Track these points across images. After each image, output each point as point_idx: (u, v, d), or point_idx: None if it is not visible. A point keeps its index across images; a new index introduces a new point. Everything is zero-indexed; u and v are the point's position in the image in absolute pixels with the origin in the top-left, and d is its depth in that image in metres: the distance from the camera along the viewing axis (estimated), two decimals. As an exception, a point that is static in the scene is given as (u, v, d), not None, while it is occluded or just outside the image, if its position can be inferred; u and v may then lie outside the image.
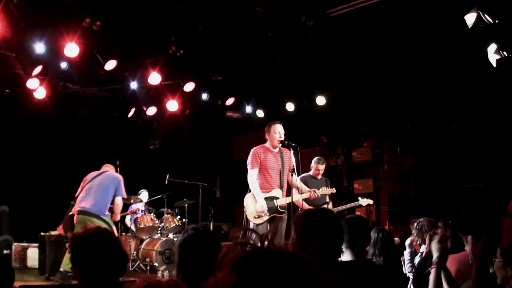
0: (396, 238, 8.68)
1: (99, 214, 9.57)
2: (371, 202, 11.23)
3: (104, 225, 8.66)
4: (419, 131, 13.22)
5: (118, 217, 10.26)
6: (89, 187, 9.83)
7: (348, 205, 11.18)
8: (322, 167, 10.89)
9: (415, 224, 7.30)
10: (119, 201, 9.86)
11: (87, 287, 3.47)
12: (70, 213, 10.03)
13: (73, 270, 3.63)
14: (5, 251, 12.70)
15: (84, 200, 9.67)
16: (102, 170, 10.37)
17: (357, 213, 12.97)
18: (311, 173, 10.93)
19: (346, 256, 4.37)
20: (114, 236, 3.65)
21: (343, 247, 4.09)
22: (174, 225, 12.53)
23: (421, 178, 12.99)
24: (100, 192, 9.76)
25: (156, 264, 11.77)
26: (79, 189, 10.02)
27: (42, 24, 10.29)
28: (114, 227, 9.72)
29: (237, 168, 16.79)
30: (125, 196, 10.02)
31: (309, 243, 3.45)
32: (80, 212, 9.60)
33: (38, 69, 11.39)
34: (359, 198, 11.24)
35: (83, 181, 10.10)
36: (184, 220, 12.75)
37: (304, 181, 10.54)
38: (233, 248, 1.34)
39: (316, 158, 10.97)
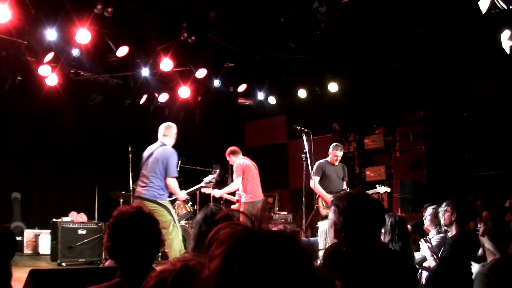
0: (408, 226, 8.67)
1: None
2: (388, 189, 11.34)
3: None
4: (432, 119, 13.16)
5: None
6: None
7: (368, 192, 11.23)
8: (340, 154, 11.04)
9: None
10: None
11: (120, 267, 3.51)
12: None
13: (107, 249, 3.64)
14: (17, 238, 12.76)
15: None
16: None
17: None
18: (328, 159, 11.03)
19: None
20: (152, 219, 3.65)
21: None
22: (186, 211, 12.51)
23: (433, 166, 12.95)
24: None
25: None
26: None
27: (54, 11, 10.27)
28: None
29: (249, 155, 16.79)
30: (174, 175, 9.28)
31: (355, 225, 3.46)
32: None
33: (49, 56, 11.39)
34: (377, 185, 11.38)
35: None
36: (195, 206, 12.75)
37: (321, 167, 10.73)
38: (224, 227, 1.40)
39: (334, 144, 11.15)
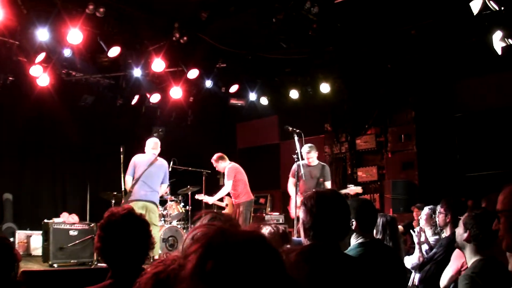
0: (400, 226, 8.69)
1: None
2: (359, 190, 11.36)
3: None
4: (423, 119, 13.19)
5: None
6: None
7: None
8: (311, 155, 11.23)
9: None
10: None
11: (110, 268, 3.52)
12: None
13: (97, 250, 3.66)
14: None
15: None
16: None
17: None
18: (305, 161, 11.19)
19: (355, 239, 4.43)
20: (143, 221, 3.68)
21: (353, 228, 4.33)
22: (178, 212, 12.51)
23: (425, 166, 12.97)
24: None
25: (160, 252, 11.78)
26: None
27: (45, 11, 10.25)
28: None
29: (241, 155, 16.81)
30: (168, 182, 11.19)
31: (322, 224, 3.49)
32: None
33: (41, 57, 11.36)
34: (348, 185, 11.46)
35: None
36: (187, 207, 12.76)
37: (295, 168, 10.97)
38: (200, 227, 1.50)
39: (306, 145, 11.27)
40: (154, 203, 10.42)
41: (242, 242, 1.40)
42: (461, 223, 4.58)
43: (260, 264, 1.36)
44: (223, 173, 12.28)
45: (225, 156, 12.10)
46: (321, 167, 11.30)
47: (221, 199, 12.72)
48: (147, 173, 10.29)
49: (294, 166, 11.14)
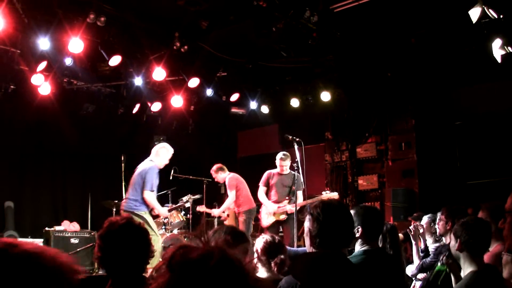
0: (400, 234, 8.71)
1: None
2: (336, 196, 11.35)
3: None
4: (424, 127, 13.21)
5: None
6: None
7: (311, 200, 11.37)
8: (284, 163, 11.29)
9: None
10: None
11: (110, 277, 3.55)
12: None
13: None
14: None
15: None
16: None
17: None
18: (278, 169, 11.32)
19: (360, 246, 4.45)
20: (142, 229, 3.69)
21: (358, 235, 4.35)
22: (179, 220, 12.51)
23: (425, 174, 12.98)
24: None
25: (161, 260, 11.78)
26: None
27: (46, 20, 10.29)
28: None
29: (242, 164, 16.83)
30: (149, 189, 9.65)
31: (328, 231, 3.57)
32: None
33: (42, 65, 11.39)
34: (323, 192, 11.47)
35: None
36: (188, 216, 12.77)
37: (267, 177, 11.21)
38: (171, 250, 1.55)
39: (280, 153, 11.40)
40: (132, 212, 9.23)
41: (198, 259, 1.44)
42: (452, 235, 4.55)
43: (214, 279, 1.42)
44: (223, 183, 12.35)
45: (224, 167, 12.16)
46: (292, 176, 11.29)
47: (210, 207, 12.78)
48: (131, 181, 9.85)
49: (265, 175, 11.38)
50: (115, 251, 3.48)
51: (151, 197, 9.54)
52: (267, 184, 11.19)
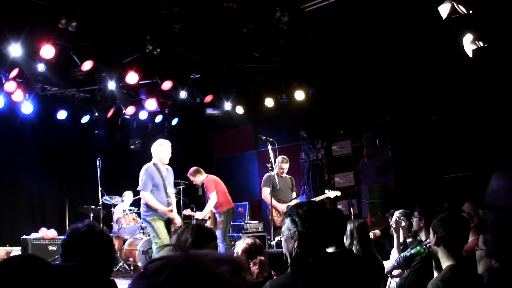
0: (377, 231, 8.77)
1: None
2: (338, 193, 11.57)
3: None
4: (398, 124, 13.29)
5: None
6: None
7: (317, 198, 11.57)
8: (286, 166, 11.50)
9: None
10: None
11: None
12: None
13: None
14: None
15: None
16: None
17: (339, 206, 13.13)
18: (276, 171, 11.33)
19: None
20: (104, 236, 3.65)
21: None
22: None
23: (401, 170, 13.06)
24: None
25: (139, 264, 11.77)
26: None
27: (17, 27, 10.23)
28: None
29: (219, 165, 16.86)
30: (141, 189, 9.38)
31: (314, 232, 3.59)
32: None
33: (14, 72, 11.32)
34: (326, 190, 11.58)
35: None
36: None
37: (270, 178, 11.18)
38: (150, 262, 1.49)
39: (281, 157, 11.43)
40: (144, 220, 9.49)
41: (163, 265, 1.47)
42: (431, 229, 4.57)
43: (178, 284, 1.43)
44: (201, 185, 12.36)
45: (201, 169, 12.12)
46: (289, 179, 11.63)
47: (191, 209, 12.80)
48: None
49: (266, 176, 11.43)
50: (76, 259, 3.42)
51: (146, 197, 9.21)
52: (272, 185, 11.19)
